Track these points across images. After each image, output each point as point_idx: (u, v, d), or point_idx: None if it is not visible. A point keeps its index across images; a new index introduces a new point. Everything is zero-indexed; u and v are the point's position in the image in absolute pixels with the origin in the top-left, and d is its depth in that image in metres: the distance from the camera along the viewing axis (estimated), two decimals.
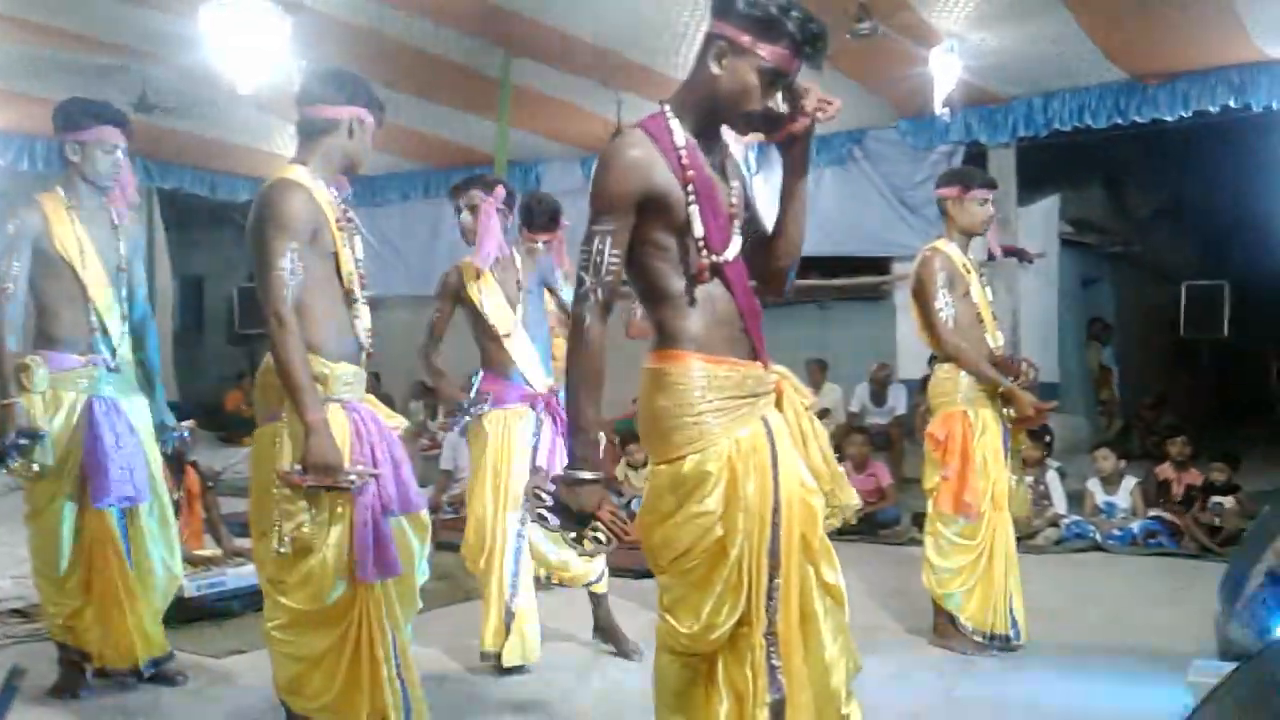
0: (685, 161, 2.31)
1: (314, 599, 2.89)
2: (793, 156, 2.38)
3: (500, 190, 4.39)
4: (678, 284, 2.35)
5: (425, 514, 3.11)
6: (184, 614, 4.74)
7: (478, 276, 4.37)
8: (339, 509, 2.88)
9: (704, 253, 2.33)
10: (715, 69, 2.31)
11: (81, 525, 3.88)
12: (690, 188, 2.31)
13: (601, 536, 2.27)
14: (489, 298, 4.37)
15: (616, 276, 2.28)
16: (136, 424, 3.98)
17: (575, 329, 2.28)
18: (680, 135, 2.33)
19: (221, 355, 14.51)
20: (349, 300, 3.01)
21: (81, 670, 3.95)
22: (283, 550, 2.85)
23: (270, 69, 6.29)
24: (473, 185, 4.41)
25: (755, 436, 2.34)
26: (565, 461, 4.39)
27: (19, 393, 3.83)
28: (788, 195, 2.44)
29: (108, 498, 3.81)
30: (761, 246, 2.48)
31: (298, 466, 2.81)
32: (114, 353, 3.95)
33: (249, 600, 4.78)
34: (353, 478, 2.83)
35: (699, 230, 2.32)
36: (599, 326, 2.27)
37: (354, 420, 2.94)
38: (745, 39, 2.28)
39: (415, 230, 11.78)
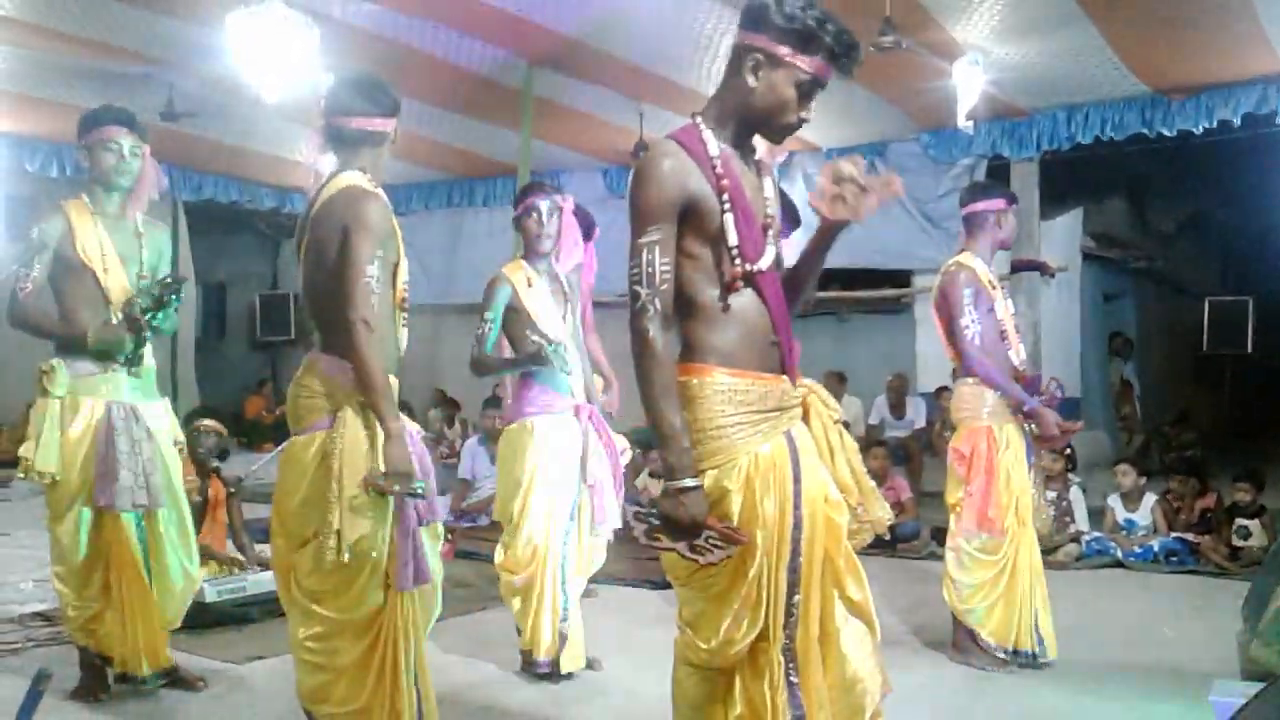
0: (720, 171, 2.32)
1: (353, 608, 2.89)
2: (828, 233, 2.41)
3: (570, 198, 4.39)
4: (709, 294, 2.34)
5: (439, 524, 3.14)
6: (205, 619, 4.77)
7: (529, 284, 4.30)
8: (386, 517, 2.90)
9: (737, 261, 2.33)
10: (751, 81, 2.32)
11: (100, 530, 3.90)
12: (725, 196, 2.31)
13: (720, 543, 2.22)
14: (542, 306, 4.29)
15: (670, 285, 2.29)
16: (155, 430, 3.99)
17: (640, 342, 2.26)
18: (714, 145, 2.34)
19: (243, 362, 14.60)
20: (399, 311, 3.03)
21: (103, 674, 3.97)
22: (345, 559, 2.82)
23: (296, 79, 6.33)
24: (542, 190, 4.36)
25: (776, 452, 2.33)
26: (614, 472, 4.39)
27: (40, 396, 3.87)
28: (809, 258, 2.49)
29: (118, 502, 3.82)
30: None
31: (379, 472, 2.81)
32: (133, 358, 3.96)
33: (269, 606, 4.80)
34: (423, 485, 2.86)
35: (733, 239, 2.32)
36: (663, 337, 2.27)
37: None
38: (782, 51, 2.29)
39: (437, 240, 11.85)
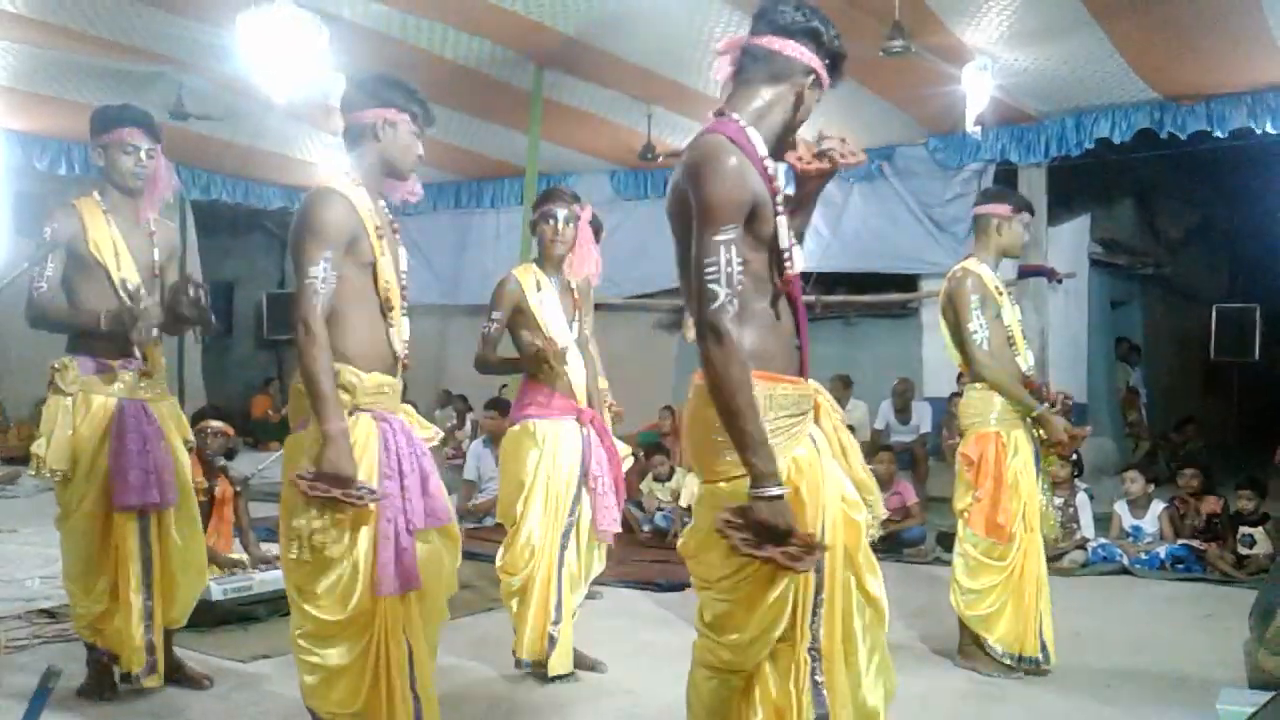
0: (771, 173, 2.32)
1: (338, 608, 2.87)
2: (809, 193, 2.47)
3: (589, 208, 4.39)
4: (753, 298, 2.31)
5: (455, 526, 3.08)
6: (211, 618, 4.77)
7: (539, 288, 4.31)
8: (363, 518, 2.85)
9: (788, 265, 2.33)
10: (805, 97, 2.39)
11: (110, 528, 3.90)
12: (778, 198, 2.31)
13: (806, 549, 2.20)
14: (549, 310, 4.30)
15: (743, 286, 2.25)
16: (167, 428, 4.00)
17: (721, 342, 2.19)
18: (761, 146, 2.34)
19: (250, 360, 14.63)
20: (384, 310, 2.99)
21: (110, 672, 3.97)
22: (301, 556, 2.83)
23: (305, 79, 6.35)
24: (562, 198, 4.36)
25: (810, 455, 2.33)
26: (615, 477, 4.37)
27: (52, 393, 3.88)
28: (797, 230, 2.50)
29: (128, 500, 3.82)
30: None
31: (310, 470, 2.77)
32: (146, 356, 3.97)
33: (275, 605, 4.80)
34: (362, 494, 2.79)
35: (785, 241, 2.32)
36: (738, 339, 2.22)
37: (383, 431, 2.92)
38: (824, 73, 2.39)
39: (444, 240, 11.87)
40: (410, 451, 2.94)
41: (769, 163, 2.32)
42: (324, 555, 2.83)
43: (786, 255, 2.32)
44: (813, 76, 2.37)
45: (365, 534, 2.85)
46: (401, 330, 3.04)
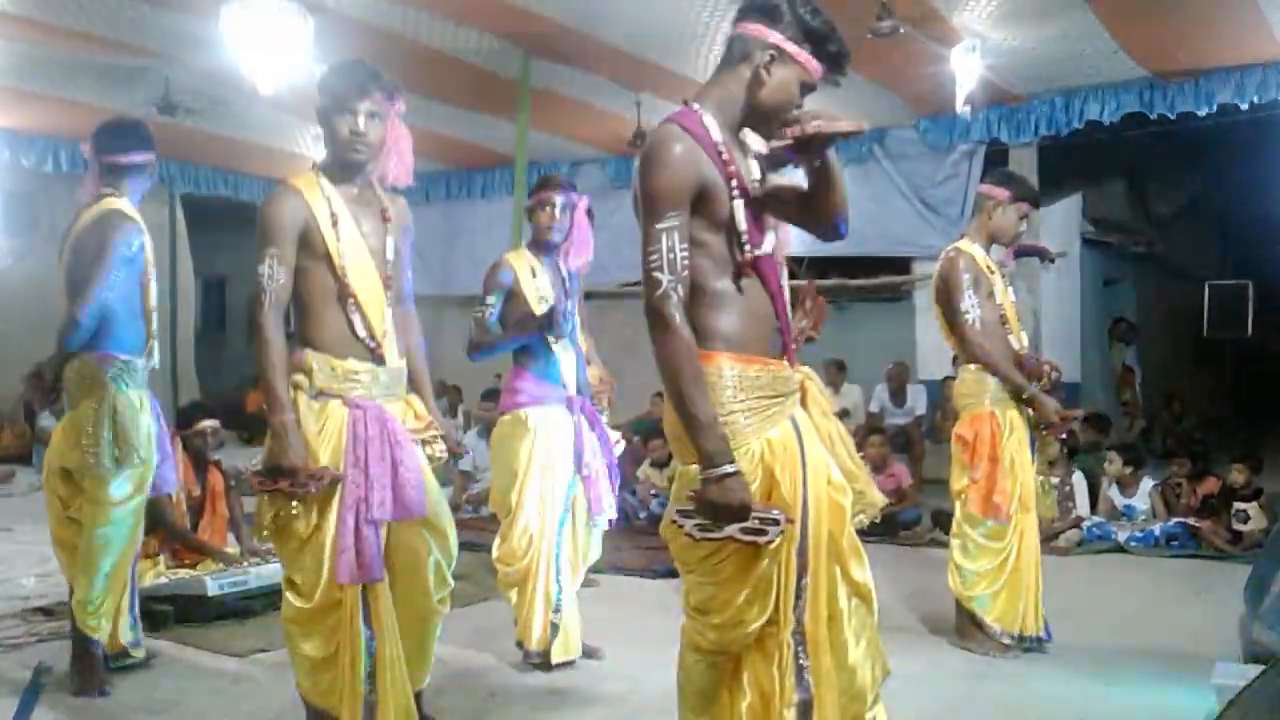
0: (726, 157, 2.31)
1: (308, 597, 2.90)
2: (810, 165, 2.36)
3: (586, 197, 4.38)
4: (715, 281, 2.33)
5: (443, 519, 3.06)
6: (207, 613, 4.78)
7: (533, 274, 4.30)
8: (327, 504, 2.87)
9: (747, 247, 2.33)
10: (764, 75, 2.34)
11: (140, 515, 4.08)
12: (733, 182, 2.31)
13: (772, 522, 2.20)
14: (543, 296, 4.27)
15: (689, 272, 2.26)
16: None
17: (667, 329, 2.22)
18: (717, 131, 2.33)
19: (243, 355, 14.59)
20: (342, 298, 2.98)
21: (104, 665, 3.98)
22: (265, 539, 2.96)
23: (291, 70, 6.32)
24: (559, 185, 4.34)
25: (785, 437, 2.33)
26: (608, 462, 4.36)
27: (116, 389, 3.93)
28: (811, 182, 2.40)
29: (166, 485, 4.25)
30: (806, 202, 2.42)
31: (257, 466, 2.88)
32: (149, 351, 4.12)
33: (271, 599, 4.80)
34: (306, 482, 2.82)
35: (743, 224, 2.32)
36: (686, 324, 2.24)
37: (353, 418, 2.91)
38: (796, 50, 2.33)
39: (436, 231, 11.81)
40: (381, 440, 2.92)
41: (723, 147, 2.31)
42: (292, 539, 2.89)
43: (744, 237, 2.32)
44: (771, 54, 2.33)
45: (330, 522, 2.88)
46: (373, 319, 3.01)
